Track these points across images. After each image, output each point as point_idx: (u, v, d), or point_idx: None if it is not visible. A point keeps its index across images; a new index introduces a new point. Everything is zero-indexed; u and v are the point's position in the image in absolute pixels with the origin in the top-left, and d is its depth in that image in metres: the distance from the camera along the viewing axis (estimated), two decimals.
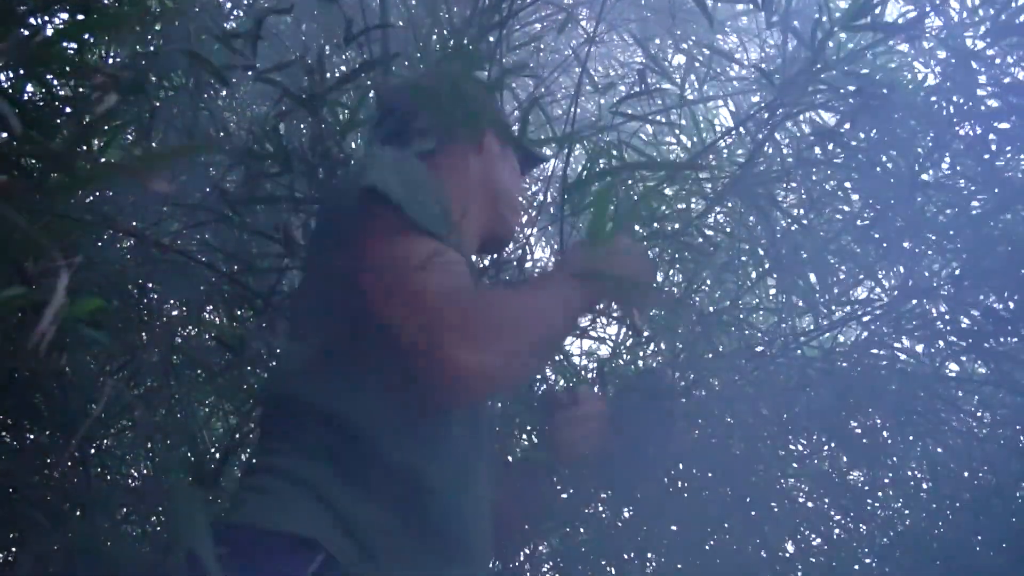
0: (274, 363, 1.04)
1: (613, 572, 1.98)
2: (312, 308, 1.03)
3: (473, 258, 1.23)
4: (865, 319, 1.67)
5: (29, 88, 1.11)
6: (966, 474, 1.65)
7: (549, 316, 0.94)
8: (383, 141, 1.20)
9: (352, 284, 0.93)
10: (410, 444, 0.93)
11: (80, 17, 0.89)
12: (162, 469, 1.66)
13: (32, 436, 1.57)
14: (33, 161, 0.68)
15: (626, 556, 1.93)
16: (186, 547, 0.58)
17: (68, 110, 1.56)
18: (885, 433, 1.68)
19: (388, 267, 0.90)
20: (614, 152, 1.61)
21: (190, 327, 1.75)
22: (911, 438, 1.67)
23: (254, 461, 0.95)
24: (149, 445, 1.89)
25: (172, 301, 1.74)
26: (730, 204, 1.76)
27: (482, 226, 1.19)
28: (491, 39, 1.52)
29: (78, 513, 1.44)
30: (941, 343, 1.61)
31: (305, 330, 1.02)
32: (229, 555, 0.72)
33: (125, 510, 1.60)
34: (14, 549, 1.47)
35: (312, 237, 1.21)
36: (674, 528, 1.95)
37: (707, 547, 1.86)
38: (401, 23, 2.04)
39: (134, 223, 1.53)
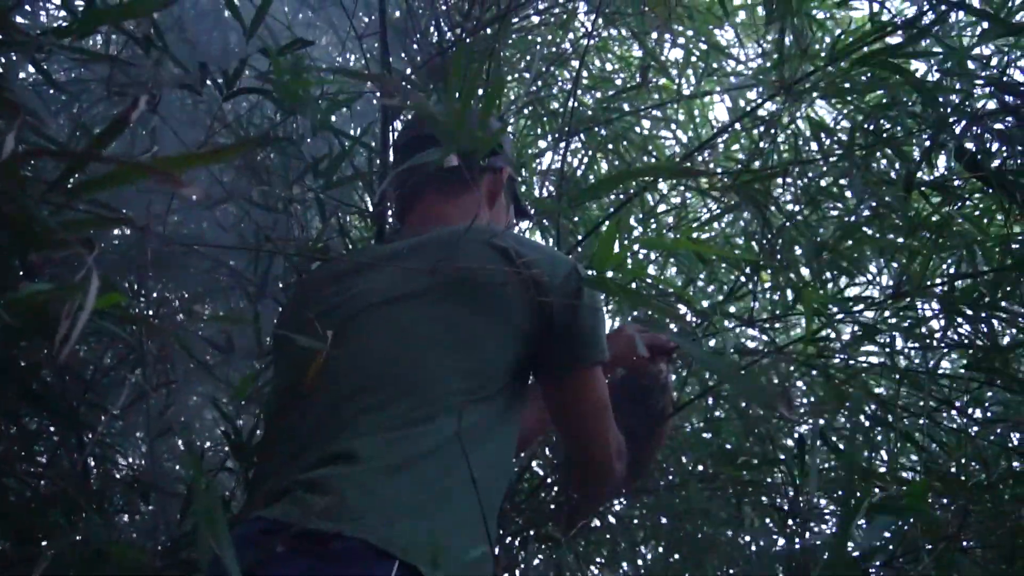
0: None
1: (616, 562, 1.99)
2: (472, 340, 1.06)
3: None
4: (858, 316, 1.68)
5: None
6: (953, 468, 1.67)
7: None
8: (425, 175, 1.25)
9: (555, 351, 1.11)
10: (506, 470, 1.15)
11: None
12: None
13: (20, 421, 1.56)
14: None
15: (621, 546, 1.94)
16: (210, 550, 0.57)
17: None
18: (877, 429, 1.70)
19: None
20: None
21: (183, 317, 1.75)
22: (902, 434, 1.68)
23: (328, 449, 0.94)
24: (140, 435, 1.89)
25: (169, 292, 1.74)
26: (726, 200, 1.77)
27: None
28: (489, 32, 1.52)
29: (76, 502, 1.43)
30: (933, 341, 1.62)
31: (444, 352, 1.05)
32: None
33: (123, 501, 1.60)
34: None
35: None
36: (664, 521, 1.97)
37: (698, 537, 1.87)
38: (398, 14, 2.03)
39: (124, 211, 1.52)
